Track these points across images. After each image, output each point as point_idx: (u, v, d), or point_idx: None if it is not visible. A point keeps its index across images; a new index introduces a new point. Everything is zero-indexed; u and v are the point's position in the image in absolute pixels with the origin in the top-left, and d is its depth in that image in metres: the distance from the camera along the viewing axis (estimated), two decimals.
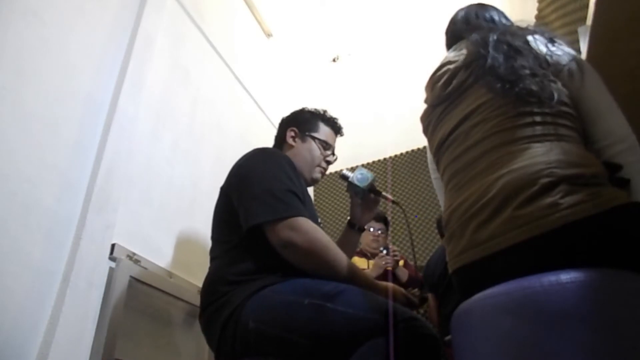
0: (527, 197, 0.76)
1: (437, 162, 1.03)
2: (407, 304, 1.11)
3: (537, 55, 0.91)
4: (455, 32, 1.15)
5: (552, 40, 0.94)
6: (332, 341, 0.93)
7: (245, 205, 1.12)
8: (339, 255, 1.08)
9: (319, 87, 3.70)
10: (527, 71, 0.88)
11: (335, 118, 1.47)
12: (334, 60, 3.83)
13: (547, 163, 0.77)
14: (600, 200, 0.72)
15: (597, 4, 1.00)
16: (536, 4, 1.94)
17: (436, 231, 2.64)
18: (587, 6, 1.06)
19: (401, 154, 3.10)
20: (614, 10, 0.99)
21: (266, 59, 2.96)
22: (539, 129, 0.83)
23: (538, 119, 0.84)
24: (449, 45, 1.17)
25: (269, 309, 1.00)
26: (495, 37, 0.96)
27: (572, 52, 0.94)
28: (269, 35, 3.03)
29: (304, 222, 1.07)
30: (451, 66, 1.02)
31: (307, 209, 1.16)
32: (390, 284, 1.12)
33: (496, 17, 1.11)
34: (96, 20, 1.52)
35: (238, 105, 2.47)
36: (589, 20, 1.03)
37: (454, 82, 1.00)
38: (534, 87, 0.86)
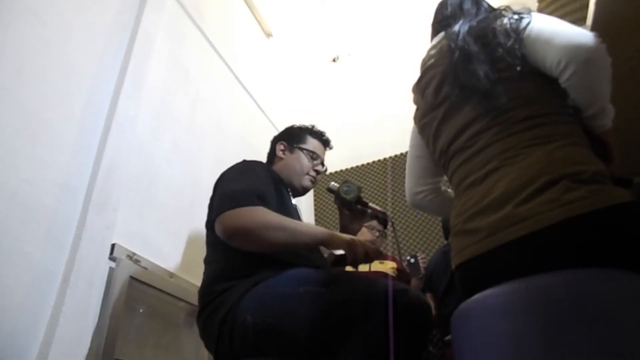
0: (528, 194, 0.76)
1: (445, 168, 1.04)
2: (366, 255, 1.04)
3: (499, 43, 0.90)
4: (435, 24, 1.17)
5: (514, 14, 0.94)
6: (330, 325, 0.95)
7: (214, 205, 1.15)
8: (283, 226, 1.03)
9: (319, 87, 3.69)
10: (482, 75, 0.89)
11: (322, 132, 1.53)
12: (334, 60, 3.82)
13: (549, 162, 0.78)
14: (600, 197, 0.72)
15: (597, 4, 1.00)
16: (536, 4, 1.94)
17: (436, 231, 2.63)
18: (587, 6, 1.06)
19: (401, 154, 3.09)
20: (614, 10, 0.99)
21: (266, 59, 2.96)
22: (542, 131, 0.83)
23: (541, 121, 0.85)
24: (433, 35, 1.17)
25: (266, 303, 1.01)
26: (464, 31, 0.97)
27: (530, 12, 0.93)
28: (269, 35, 3.03)
29: (240, 210, 1.04)
30: (437, 70, 1.02)
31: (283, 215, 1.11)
32: (349, 236, 1.06)
33: (473, 7, 1.09)
34: (96, 20, 1.51)
35: (238, 105, 2.47)
36: (589, 20, 1.04)
37: (443, 91, 0.99)
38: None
